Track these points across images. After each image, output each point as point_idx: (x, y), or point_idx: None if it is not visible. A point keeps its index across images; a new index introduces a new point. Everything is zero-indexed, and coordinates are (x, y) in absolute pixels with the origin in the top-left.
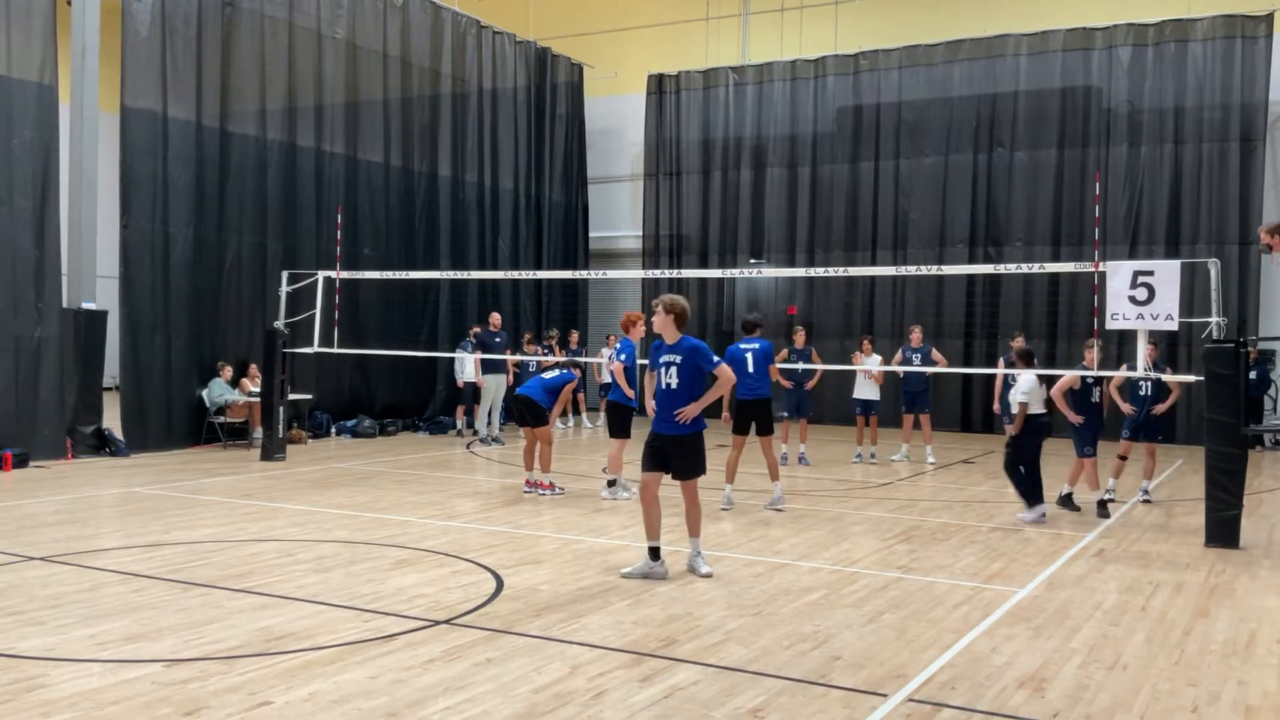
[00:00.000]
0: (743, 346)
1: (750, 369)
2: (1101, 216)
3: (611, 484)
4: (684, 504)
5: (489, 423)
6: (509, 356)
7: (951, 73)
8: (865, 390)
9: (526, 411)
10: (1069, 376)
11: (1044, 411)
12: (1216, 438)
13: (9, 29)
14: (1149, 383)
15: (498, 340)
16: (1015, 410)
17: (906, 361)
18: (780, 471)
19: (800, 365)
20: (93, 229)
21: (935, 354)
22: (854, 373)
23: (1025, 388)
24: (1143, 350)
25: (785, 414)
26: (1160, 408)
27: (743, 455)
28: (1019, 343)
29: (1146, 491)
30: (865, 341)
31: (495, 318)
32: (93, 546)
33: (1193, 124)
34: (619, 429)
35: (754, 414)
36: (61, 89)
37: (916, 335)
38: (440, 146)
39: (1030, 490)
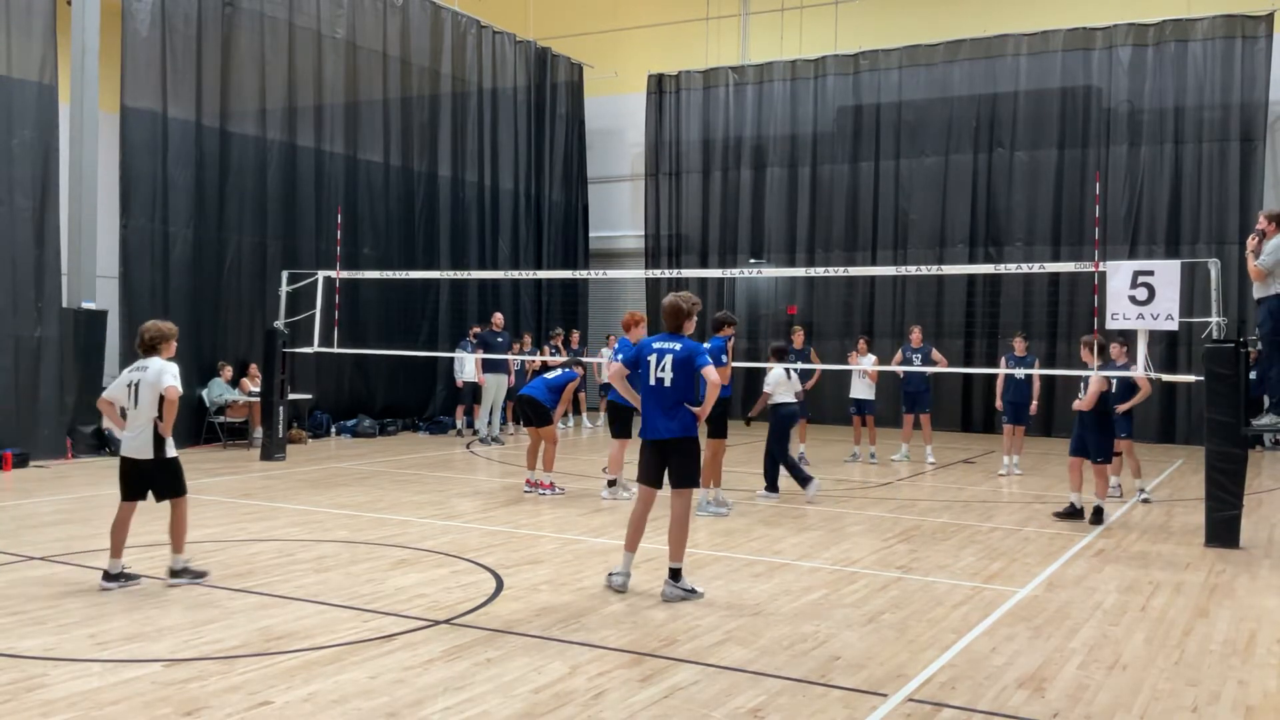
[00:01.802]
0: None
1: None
2: (1101, 216)
3: (612, 484)
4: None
5: (489, 422)
6: (509, 356)
7: (951, 73)
8: (860, 390)
9: (530, 411)
10: (1097, 379)
11: (790, 401)
12: (1216, 438)
13: (9, 29)
14: (1115, 380)
15: (499, 340)
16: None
17: (907, 362)
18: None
19: (799, 365)
20: (93, 229)
21: (935, 354)
22: (852, 373)
23: (769, 379)
24: (1141, 351)
25: None
26: (1121, 406)
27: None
28: (1019, 343)
29: (1143, 490)
30: (861, 342)
31: (498, 318)
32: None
33: (1193, 124)
34: (620, 429)
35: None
36: (61, 89)
37: (916, 335)
38: (440, 146)
39: (798, 474)
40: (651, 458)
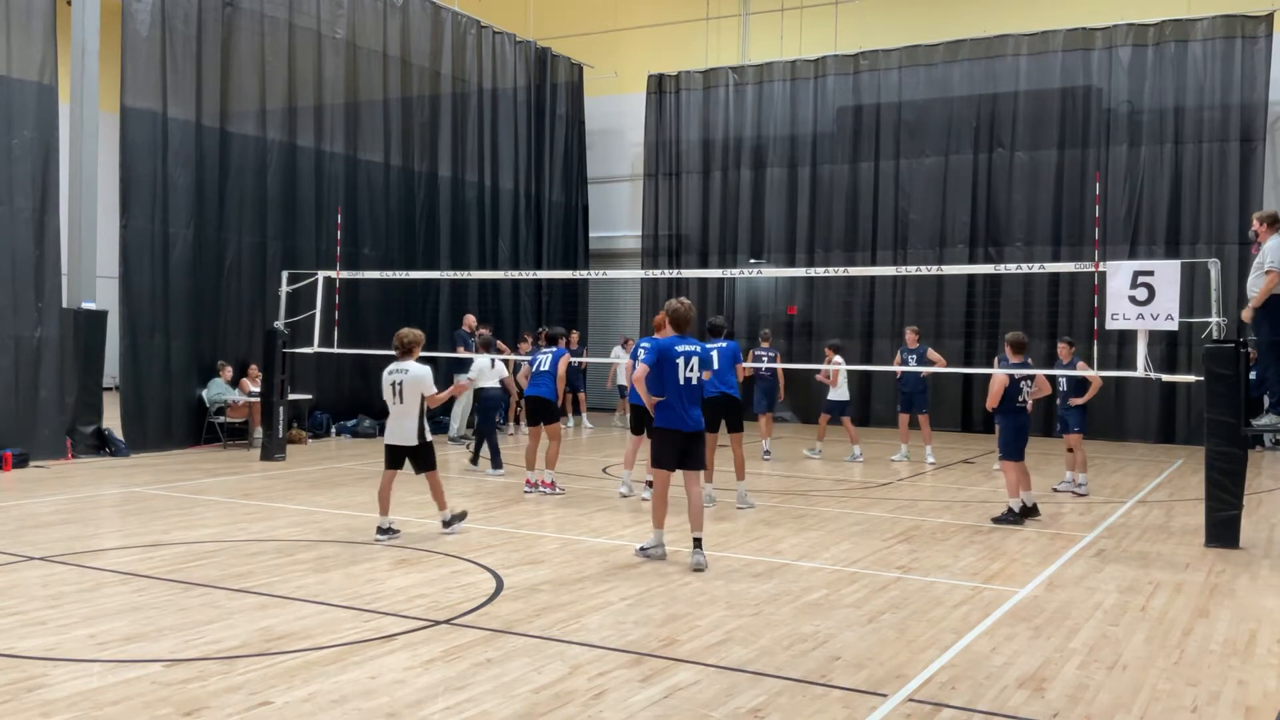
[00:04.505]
0: (709, 346)
1: (715, 365)
2: (1101, 216)
3: (650, 484)
4: (692, 497)
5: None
6: (510, 357)
7: (951, 73)
8: (834, 392)
9: (539, 410)
10: (999, 378)
11: (495, 386)
12: (1216, 438)
13: (9, 29)
14: (1066, 378)
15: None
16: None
17: (903, 363)
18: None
19: (774, 365)
20: (93, 229)
21: (932, 353)
22: (849, 374)
23: (474, 368)
24: (1141, 350)
25: (786, 415)
26: (1075, 400)
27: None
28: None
29: (1075, 483)
30: (828, 349)
31: (469, 319)
32: (93, 546)
33: (1193, 124)
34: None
35: (725, 411)
36: (61, 89)
37: (912, 336)
38: (440, 146)
39: (495, 453)
40: (675, 447)
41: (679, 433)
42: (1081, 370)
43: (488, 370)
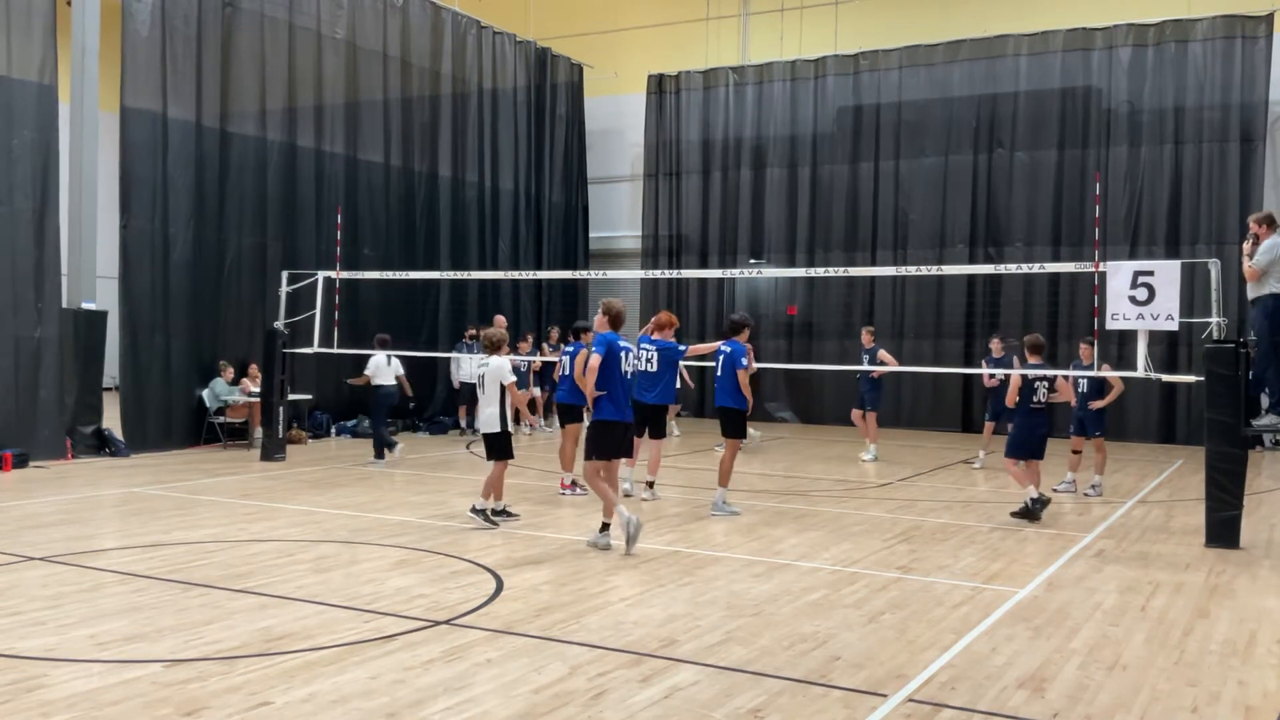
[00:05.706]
0: (723, 348)
1: (718, 373)
2: (1101, 216)
3: (650, 485)
4: (614, 482)
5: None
6: (517, 358)
7: (951, 73)
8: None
9: (561, 413)
10: (1015, 378)
11: (391, 384)
12: (1216, 438)
13: (9, 29)
14: (1086, 379)
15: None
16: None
17: (859, 363)
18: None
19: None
20: (93, 229)
21: (882, 354)
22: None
23: (370, 365)
24: (1142, 350)
25: (786, 415)
26: (1097, 403)
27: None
28: (995, 344)
29: (1091, 484)
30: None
31: (499, 319)
32: (93, 546)
33: (1193, 124)
34: (656, 430)
35: (724, 419)
36: (61, 89)
37: (867, 337)
38: (440, 146)
39: (379, 444)
40: (616, 437)
41: (619, 423)
42: (1106, 372)
43: (384, 367)
